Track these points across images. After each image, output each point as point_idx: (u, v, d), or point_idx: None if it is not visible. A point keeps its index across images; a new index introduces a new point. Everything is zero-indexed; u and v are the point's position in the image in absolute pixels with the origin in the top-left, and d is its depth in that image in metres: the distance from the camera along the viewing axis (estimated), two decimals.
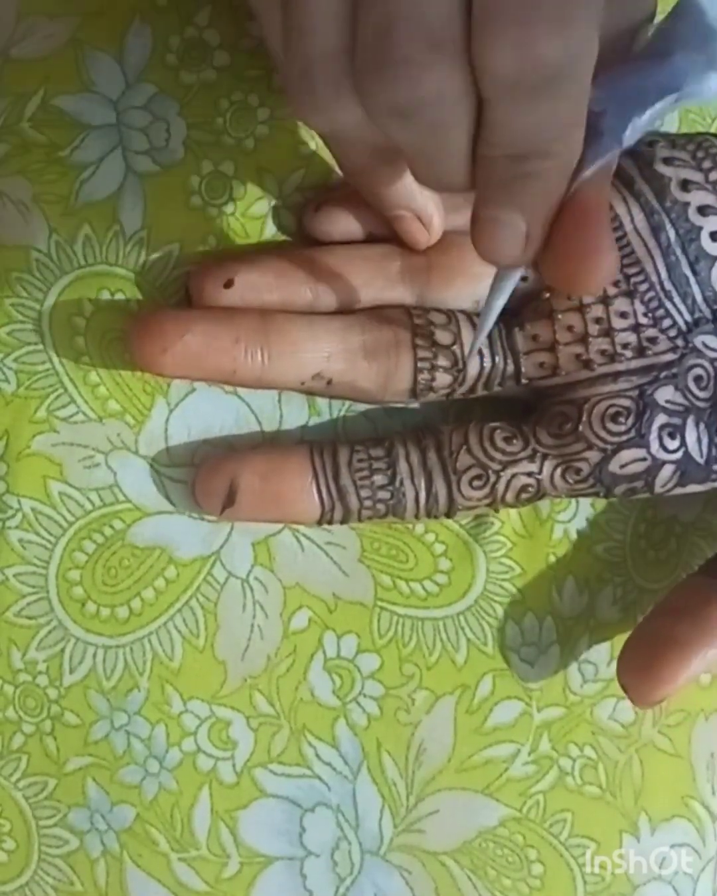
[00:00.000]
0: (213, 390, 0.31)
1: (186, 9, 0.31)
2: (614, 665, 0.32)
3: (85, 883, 0.30)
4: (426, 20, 0.20)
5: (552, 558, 0.32)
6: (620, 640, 0.32)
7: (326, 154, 0.31)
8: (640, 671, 0.29)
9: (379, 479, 0.29)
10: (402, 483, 0.29)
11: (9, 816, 0.30)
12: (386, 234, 0.30)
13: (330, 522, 0.30)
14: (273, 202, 0.31)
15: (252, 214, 0.31)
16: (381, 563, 0.31)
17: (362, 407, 0.31)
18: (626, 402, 0.29)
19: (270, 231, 0.31)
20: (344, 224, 0.30)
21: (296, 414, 0.31)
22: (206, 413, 0.31)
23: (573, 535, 0.32)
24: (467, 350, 0.29)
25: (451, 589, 0.31)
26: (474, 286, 0.30)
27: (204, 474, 0.29)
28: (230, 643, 0.30)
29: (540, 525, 0.32)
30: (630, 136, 0.23)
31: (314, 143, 0.31)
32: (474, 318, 0.30)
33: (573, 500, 0.32)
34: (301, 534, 0.31)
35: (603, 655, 0.32)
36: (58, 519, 0.30)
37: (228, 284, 0.29)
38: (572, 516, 0.32)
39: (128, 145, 0.30)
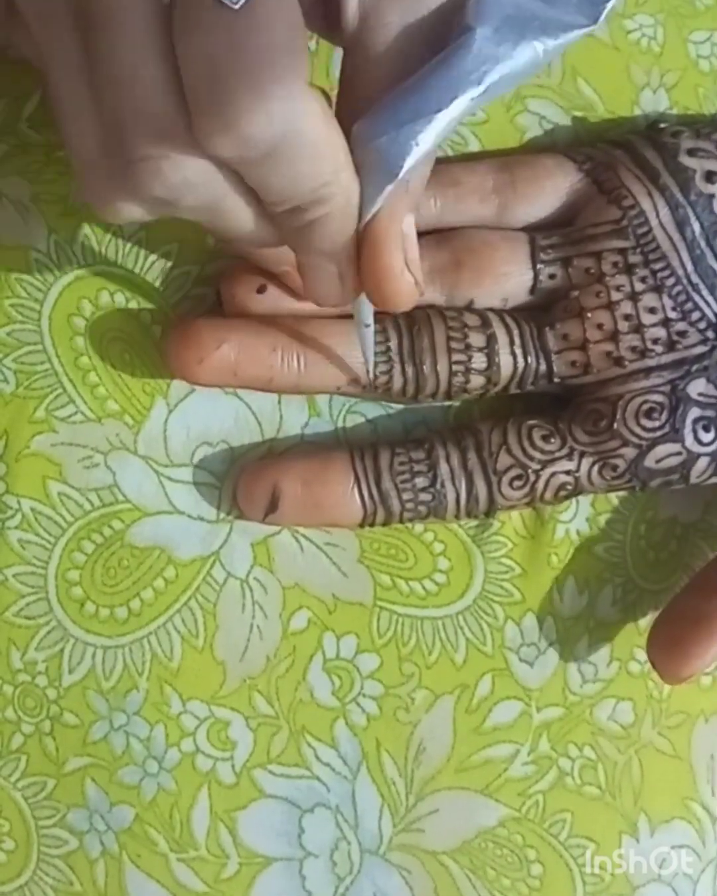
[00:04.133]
0: (212, 391, 0.31)
1: None
2: (614, 665, 0.32)
3: (84, 883, 0.30)
4: (148, 116, 0.21)
5: (553, 559, 0.32)
6: (620, 640, 0.32)
7: None
8: (669, 647, 0.29)
9: (421, 481, 0.29)
10: (443, 485, 0.29)
11: (8, 816, 0.30)
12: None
13: (372, 525, 0.30)
14: None
15: None
16: (380, 563, 0.31)
17: (361, 408, 0.31)
18: (659, 398, 0.29)
19: None
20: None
21: (296, 415, 0.31)
22: (205, 413, 0.31)
23: (574, 536, 0.32)
24: (501, 355, 0.29)
25: (449, 588, 0.31)
26: (503, 285, 0.30)
27: (246, 481, 0.30)
28: (229, 644, 0.30)
29: (541, 525, 0.32)
30: (422, 148, 0.22)
31: None
32: (505, 317, 0.30)
33: (574, 501, 0.32)
34: (300, 534, 0.31)
35: (603, 656, 0.32)
36: (57, 519, 0.30)
37: (261, 290, 0.29)
38: (573, 516, 0.32)
39: None
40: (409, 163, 0.22)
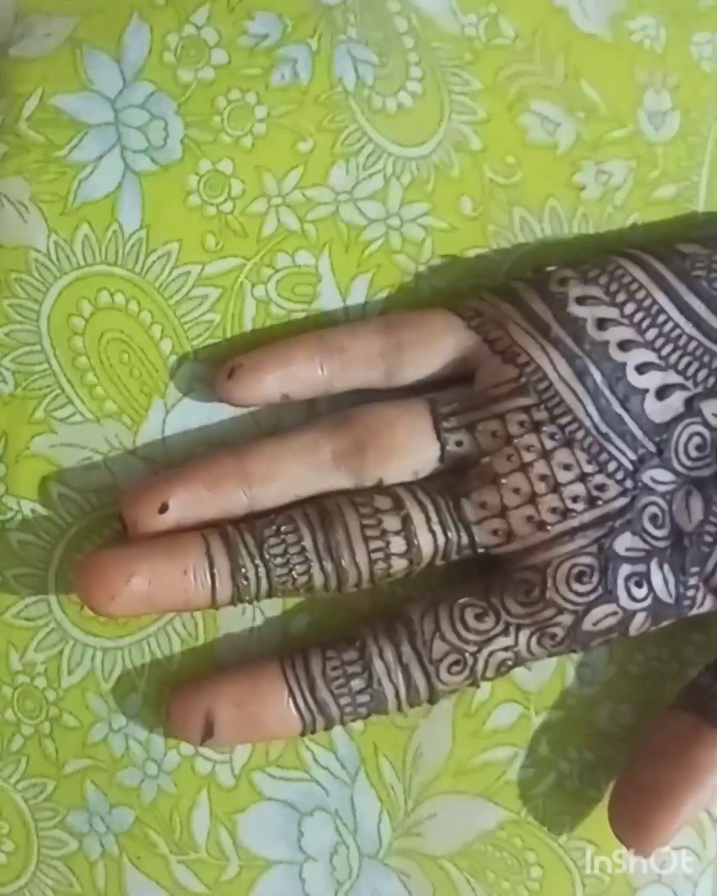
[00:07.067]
0: (212, 390, 0.31)
1: (185, 7, 0.30)
2: (612, 667, 0.32)
3: (84, 885, 0.30)
4: None
5: None
6: (620, 642, 0.32)
7: (323, 153, 0.31)
8: (633, 823, 0.28)
9: (356, 683, 0.28)
10: (380, 683, 0.28)
11: (8, 818, 0.30)
12: (304, 392, 0.30)
13: (313, 732, 0.29)
14: (272, 200, 0.31)
15: (251, 213, 0.31)
16: None
17: None
18: (587, 560, 0.28)
19: (269, 228, 0.31)
20: (257, 388, 0.29)
21: (294, 417, 0.31)
22: (204, 412, 0.31)
23: None
24: (419, 535, 0.28)
25: None
26: (410, 460, 0.29)
27: (176, 709, 0.29)
28: (229, 646, 0.30)
29: None
30: None
31: (312, 141, 0.31)
32: (418, 493, 0.29)
33: None
34: None
35: (601, 658, 0.32)
36: (57, 520, 0.30)
37: (163, 509, 0.28)
38: None
39: (126, 144, 0.30)
40: None
